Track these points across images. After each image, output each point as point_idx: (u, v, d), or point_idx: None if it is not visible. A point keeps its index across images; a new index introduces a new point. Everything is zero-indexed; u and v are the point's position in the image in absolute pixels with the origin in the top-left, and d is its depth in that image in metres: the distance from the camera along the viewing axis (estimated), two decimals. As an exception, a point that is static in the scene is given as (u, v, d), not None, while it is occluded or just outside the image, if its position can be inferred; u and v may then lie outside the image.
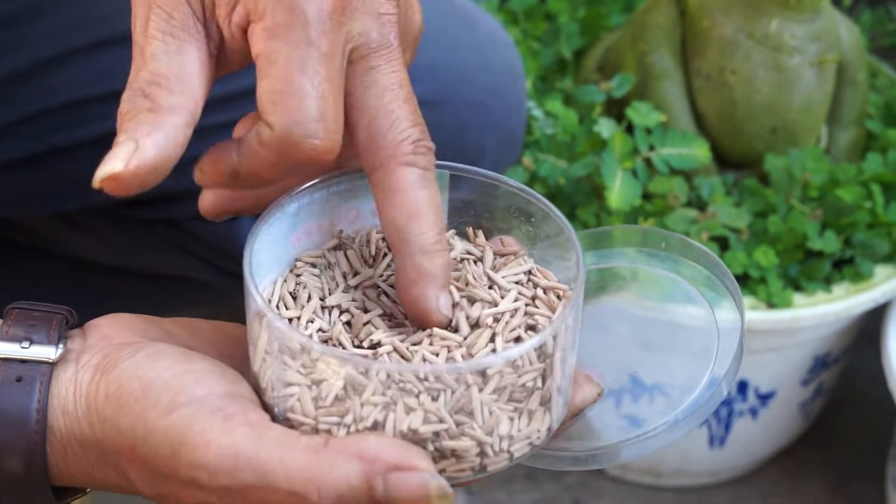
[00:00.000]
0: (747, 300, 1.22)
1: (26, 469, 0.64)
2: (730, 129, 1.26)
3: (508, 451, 0.63)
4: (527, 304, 0.66)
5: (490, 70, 1.07)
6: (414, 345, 0.64)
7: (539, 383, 0.63)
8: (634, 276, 0.73)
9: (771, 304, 1.22)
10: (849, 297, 1.24)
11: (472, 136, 1.05)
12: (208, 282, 1.08)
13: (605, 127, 1.22)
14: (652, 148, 1.23)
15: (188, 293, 1.12)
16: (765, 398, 1.31)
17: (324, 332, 0.65)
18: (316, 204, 0.68)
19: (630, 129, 1.24)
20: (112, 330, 0.66)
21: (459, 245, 0.69)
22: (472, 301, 0.66)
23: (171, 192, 1.01)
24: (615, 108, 1.28)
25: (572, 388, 0.66)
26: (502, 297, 0.66)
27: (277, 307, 0.66)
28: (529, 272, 0.68)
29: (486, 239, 0.69)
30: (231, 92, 0.97)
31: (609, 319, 0.73)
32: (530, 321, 0.66)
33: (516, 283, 0.67)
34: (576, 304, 0.64)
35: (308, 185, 0.67)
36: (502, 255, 0.69)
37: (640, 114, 1.23)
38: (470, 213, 0.70)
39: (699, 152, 1.23)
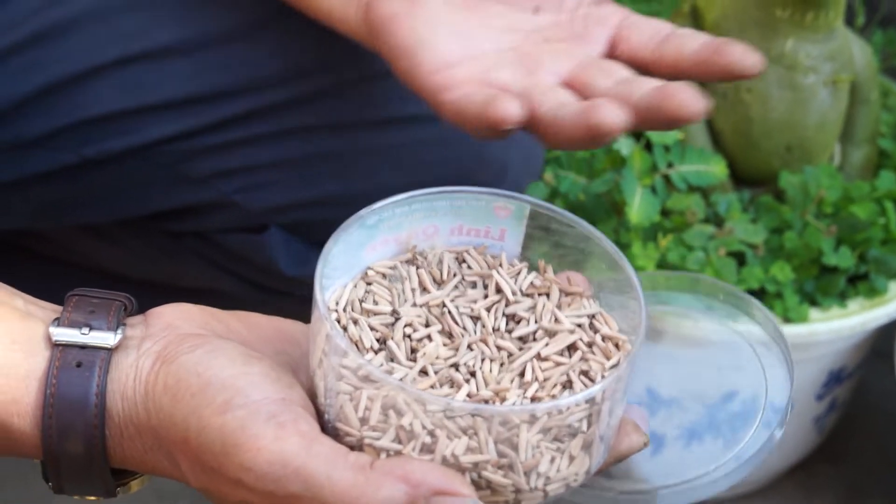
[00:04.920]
0: (764, 315, 1.23)
1: (87, 450, 0.65)
2: (746, 147, 1.27)
3: (544, 490, 0.64)
4: (583, 351, 0.66)
5: (512, 87, 1.08)
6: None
7: (584, 427, 0.63)
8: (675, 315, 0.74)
9: (787, 319, 1.23)
10: (863, 312, 1.24)
11: (494, 152, 1.05)
12: (236, 294, 1.08)
13: (625, 145, 1.23)
14: (670, 165, 1.24)
15: (216, 305, 1.13)
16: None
17: (380, 336, 0.66)
18: (395, 218, 0.69)
19: (649, 146, 1.25)
20: (174, 319, 0.67)
21: (529, 277, 0.69)
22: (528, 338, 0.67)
23: (200, 205, 1.02)
24: (633, 126, 1.29)
25: (619, 435, 0.66)
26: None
27: (344, 310, 0.67)
28: (593, 317, 0.68)
29: (555, 274, 0.70)
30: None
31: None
32: (584, 366, 0.66)
33: (578, 325, 0.67)
34: (631, 360, 0.64)
35: (390, 200, 0.68)
36: (568, 294, 0.69)
37: (659, 132, 1.24)
38: (545, 244, 0.70)
39: (716, 169, 1.24)
